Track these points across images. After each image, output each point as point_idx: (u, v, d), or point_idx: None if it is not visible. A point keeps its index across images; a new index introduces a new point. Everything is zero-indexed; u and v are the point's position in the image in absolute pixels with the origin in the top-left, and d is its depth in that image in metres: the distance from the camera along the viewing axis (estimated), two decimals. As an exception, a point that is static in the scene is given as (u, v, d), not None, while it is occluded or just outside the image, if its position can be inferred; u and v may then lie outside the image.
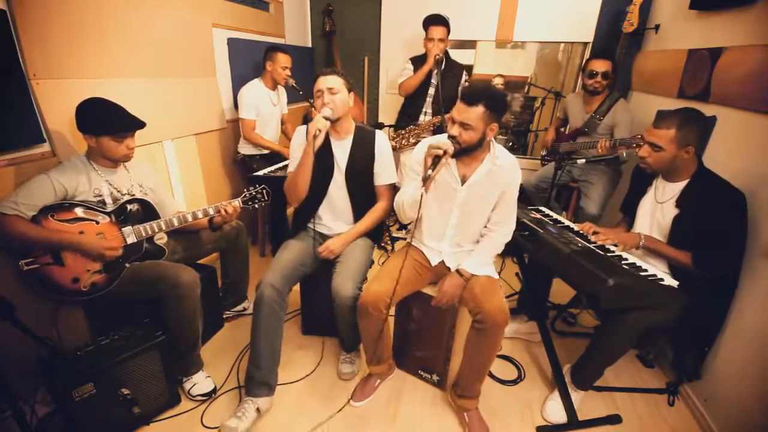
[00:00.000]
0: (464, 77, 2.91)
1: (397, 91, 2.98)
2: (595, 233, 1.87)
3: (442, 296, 1.62)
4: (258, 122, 2.75)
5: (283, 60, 2.68)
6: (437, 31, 2.71)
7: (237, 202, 1.90)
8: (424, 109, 2.92)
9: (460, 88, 2.92)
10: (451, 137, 1.44)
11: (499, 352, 2.07)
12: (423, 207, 1.58)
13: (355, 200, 1.90)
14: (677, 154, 1.54)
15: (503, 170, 1.57)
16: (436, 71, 2.82)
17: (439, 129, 2.86)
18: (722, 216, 1.50)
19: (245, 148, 2.82)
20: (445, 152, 1.41)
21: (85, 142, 1.61)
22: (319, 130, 1.66)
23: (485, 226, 1.68)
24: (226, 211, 1.82)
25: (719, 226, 1.50)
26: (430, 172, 1.41)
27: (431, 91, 2.88)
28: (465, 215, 1.65)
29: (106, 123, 1.58)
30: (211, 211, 1.81)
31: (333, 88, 1.72)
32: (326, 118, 1.69)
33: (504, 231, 1.66)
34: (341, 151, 1.84)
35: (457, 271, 1.63)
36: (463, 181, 1.59)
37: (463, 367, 1.66)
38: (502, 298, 1.54)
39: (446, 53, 2.84)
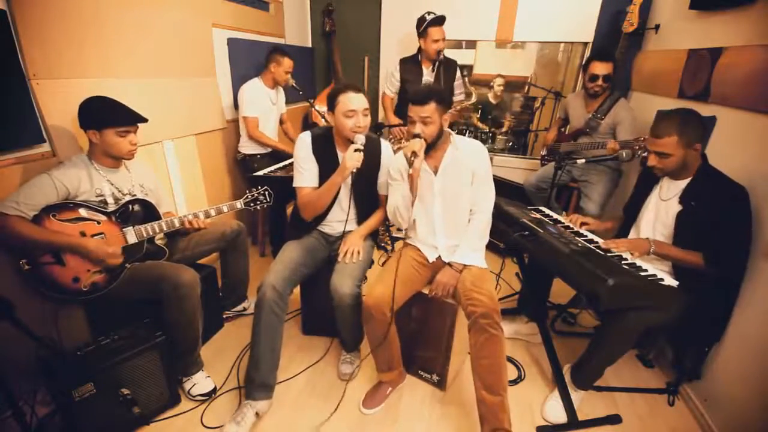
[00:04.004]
0: (458, 72, 2.92)
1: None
2: (583, 224, 1.92)
3: (436, 285, 1.69)
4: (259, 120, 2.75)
5: (288, 65, 2.73)
6: (438, 32, 2.73)
7: (239, 204, 1.90)
8: None
9: (456, 83, 2.95)
10: (417, 135, 1.61)
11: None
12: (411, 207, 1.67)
13: (359, 205, 1.91)
14: (686, 154, 1.55)
15: (467, 153, 1.70)
16: (431, 68, 2.84)
17: None
18: (725, 211, 1.50)
19: (246, 148, 2.82)
20: (419, 139, 1.60)
21: (87, 141, 1.62)
22: (357, 168, 1.66)
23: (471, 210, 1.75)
24: (191, 223, 1.78)
25: (724, 222, 1.49)
26: (412, 159, 1.56)
27: None
28: (447, 202, 1.73)
29: (109, 116, 1.59)
30: (201, 215, 1.80)
31: (367, 110, 1.73)
32: (360, 151, 1.66)
33: (484, 208, 1.74)
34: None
35: (450, 264, 1.70)
36: (436, 171, 1.71)
37: (479, 390, 1.53)
38: (491, 287, 1.61)
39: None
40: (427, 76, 2.88)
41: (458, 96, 3.04)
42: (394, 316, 1.61)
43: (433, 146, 1.65)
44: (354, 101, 1.70)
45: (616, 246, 1.64)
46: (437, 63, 2.83)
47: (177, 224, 1.75)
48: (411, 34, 3.48)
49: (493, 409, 1.51)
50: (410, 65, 2.94)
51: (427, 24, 2.74)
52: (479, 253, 1.73)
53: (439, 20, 2.73)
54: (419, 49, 2.91)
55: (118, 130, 1.59)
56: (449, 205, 1.73)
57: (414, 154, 1.56)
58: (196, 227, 1.80)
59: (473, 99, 3.09)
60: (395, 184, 1.74)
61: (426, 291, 1.75)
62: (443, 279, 1.68)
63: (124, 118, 1.61)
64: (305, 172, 1.82)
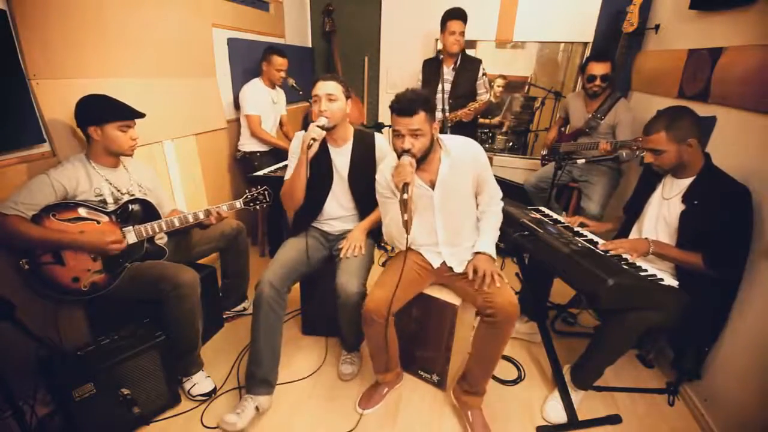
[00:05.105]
0: (482, 71, 2.87)
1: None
2: (582, 225, 1.90)
3: (482, 272, 1.54)
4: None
5: (279, 63, 2.72)
6: (457, 25, 2.70)
7: (239, 204, 1.90)
8: (439, 106, 2.86)
9: (479, 81, 2.88)
10: (406, 151, 1.43)
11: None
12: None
13: (360, 203, 1.91)
14: (680, 150, 1.55)
15: (462, 157, 1.57)
16: (451, 67, 2.83)
17: (452, 128, 2.85)
18: (727, 211, 1.50)
19: (246, 146, 2.83)
20: (409, 157, 1.42)
21: (87, 140, 1.62)
22: (314, 140, 1.64)
23: (479, 209, 1.70)
24: (215, 216, 1.82)
25: (725, 222, 1.50)
26: (405, 196, 1.36)
27: (446, 87, 2.85)
28: (447, 215, 1.65)
29: (110, 111, 1.59)
30: (201, 215, 1.81)
31: (332, 95, 1.70)
32: (321, 127, 1.67)
33: (495, 204, 1.70)
34: (342, 158, 1.84)
35: (478, 252, 1.62)
36: (432, 185, 1.59)
37: (471, 363, 1.65)
38: (510, 290, 1.54)
39: (462, 50, 2.84)
40: (448, 75, 2.85)
41: (482, 95, 2.89)
42: (391, 320, 1.60)
43: (424, 159, 1.51)
44: (319, 87, 1.70)
45: (614, 247, 1.64)
46: (458, 62, 2.82)
47: (177, 224, 1.75)
48: (411, 34, 3.51)
49: (477, 376, 1.64)
50: (431, 65, 2.93)
51: (445, 16, 2.72)
52: (493, 246, 1.67)
53: (458, 13, 2.69)
54: (439, 49, 2.89)
55: (120, 124, 1.60)
56: (451, 216, 1.65)
57: (406, 186, 1.35)
58: (216, 222, 1.84)
59: (491, 98, 3.06)
60: (387, 202, 1.60)
61: (427, 292, 1.74)
62: (485, 265, 1.56)
63: (125, 112, 1.62)
64: (292, 166, 1.82)
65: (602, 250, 1.63)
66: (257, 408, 1.64)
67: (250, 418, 1.61)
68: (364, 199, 1.91)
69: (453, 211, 1.65)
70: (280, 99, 2.96)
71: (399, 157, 1.47)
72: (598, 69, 2.47)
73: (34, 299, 1.53)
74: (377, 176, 1.64)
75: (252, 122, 2.73)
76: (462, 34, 2.73)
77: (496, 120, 4.45)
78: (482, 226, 1.69)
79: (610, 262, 1.53)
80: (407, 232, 1.38)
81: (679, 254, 1.60)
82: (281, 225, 2.88)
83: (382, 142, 1.90)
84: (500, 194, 1.71)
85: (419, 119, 1.41)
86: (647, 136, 1.60)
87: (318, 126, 1.66)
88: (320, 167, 1.79)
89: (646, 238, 1.67)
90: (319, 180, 1.80)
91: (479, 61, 2.89)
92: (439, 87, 2.85)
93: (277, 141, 2.85)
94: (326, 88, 1.70)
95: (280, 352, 1.73)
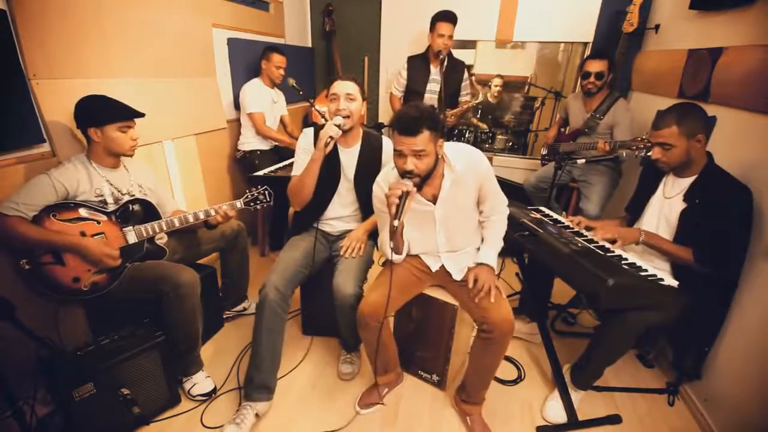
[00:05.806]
0: (466, 73, 2.92)
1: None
2: (587, 228, 1.85)
3: (482, 284, 1.52)
4: None
5: (278, 60, 2.74)
6: (446, 27, 2.71)
7: (239, 204, 1.90)
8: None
9: (463, 83, 2.95)
10: (408, 173, 1.35)
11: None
12: (406, 239, 1.61)
13: (364, 204, 1.90)
14: (689, 145, 1.55)
15: (465, 170, 1.48)
16: (439, 68, 2.85)
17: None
18: (727, 210, 1.50)
19: (246, 145, 2.83)
20: (407, 193, 1.34)
21: (87, 140, 1.62)
22: (331, 138, 1.64)
23: (481, 216, 1.65)
24: (222, 214, 1.82)
25: (724, 221, 1.50)
26: (396, 222, 1.32)
27: (432, 87, 2.87)
28: (449, 228, 1.61)
29: (110, 112, 1.60)
30: (202, 216, 1.80)
31: (351, 95, 1.71)
32: (338, 126, 1.67)
33: (500, 210, 1.63)
34: (349, 158, 1.84)
35: (480, 264, 1.59)
36: (434, 200, 1.54)
37: (469, 374, 1.66)
38: (507, 306, 1.52)
39: (449, 51, 2.86)
40: (435, 75, 2.87)
41: (464, 96, 3.01)
42: (385, 322, 1.60)
43: (428, 177, 1.42)
44: (336, 86, 1.71)
45: (603, 231, 1.64)
46: (445, 62, 2.83)
47: (176, 224, 1.75)
48: (411, 34, 3.50)
49: (475, 387, 1.65)
50: (418, 63, 2.93)
51: (435, 17, 2.74)
52: (496, 256, 1.64)
53: (447, 15, 2.71)
54: (428, 48, 2.90)
55: (120, 125, 1.60)
56: (452, 228, 1.61)
57: (400, 205, 1.30)
58: (222, 220, 1.83)
59: (480, 98, 3.09)
60: (384, 217, 1.53)
61: (427, 293, 1.74)
62: (484, 276, 1.53)
63: (125, 112, 1.63)
64: (300, 162, 1.82)
65: (602, 250, 1.63)
66: (257, 415, 1.64)
67: (250, 426, 1.60)
68: (368, 200, 1.91)
69: (455, 223, 1.61)
70: (280, 99, 2.97)
71: (402, 176, 1.39)
72: (593, 66, 2.48)
73: (34, 299, 1.53)
74: (374, 188, 1.59)
75: (256, 120, 2.73)
76: (450, 37, 2.75)
77: (484, 125, 4.25)
78: (486, 236, 1.66)
79: (610, 262, 1.53)
80: (397, 252, 1.47)
81: (670, 247, 1.61)
82: (282, 225, 2.88)
83: (388, 145, 1.89)
84: (505, 201, 1.65)
85: (423, 139, 1.31)
86: (658, 131, 1.58)
87: (335, 125, 1.67)
88: (328, 167, 1.79)
89: (637, 229, 1.68)
90: (326, 179, 1.80)
91: (463, 63, 2.94)
92: (428, 87, 2.86)
93: (282, 137, 2.87)
94: (346, 87, 1.71)
95: (281, 356, 1.73)
